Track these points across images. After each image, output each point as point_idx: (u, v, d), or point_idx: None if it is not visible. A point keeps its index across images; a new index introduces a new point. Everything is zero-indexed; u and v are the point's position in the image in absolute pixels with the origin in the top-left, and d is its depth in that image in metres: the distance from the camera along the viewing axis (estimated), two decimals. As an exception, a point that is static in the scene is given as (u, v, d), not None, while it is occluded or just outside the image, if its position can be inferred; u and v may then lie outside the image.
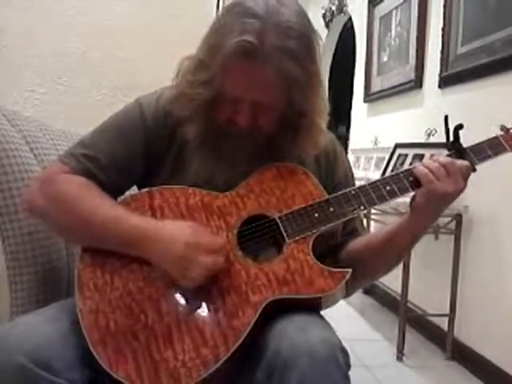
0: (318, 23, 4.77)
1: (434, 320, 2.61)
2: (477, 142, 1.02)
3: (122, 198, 1.00)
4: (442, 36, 2.67)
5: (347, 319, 2.96)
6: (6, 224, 1.00)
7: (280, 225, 0.95)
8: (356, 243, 1.06)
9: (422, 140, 2.69)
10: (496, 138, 1.01)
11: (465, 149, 1.00)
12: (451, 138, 1.00)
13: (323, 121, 0.99)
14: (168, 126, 1.00)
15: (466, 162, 0.96)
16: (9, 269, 1.00)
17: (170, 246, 0.89)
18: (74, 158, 0.98)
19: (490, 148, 1.00)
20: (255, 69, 0.88)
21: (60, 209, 0.94)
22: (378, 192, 0.97)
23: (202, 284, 0.88)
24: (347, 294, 0.96)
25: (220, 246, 0.90)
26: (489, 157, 1.00)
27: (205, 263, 0.87)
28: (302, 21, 0.91)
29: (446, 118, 1.02)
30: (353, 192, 0.97)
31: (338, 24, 4.74)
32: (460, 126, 1.00)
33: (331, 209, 0.96)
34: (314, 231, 0.94)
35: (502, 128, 1.03)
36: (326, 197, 0.98)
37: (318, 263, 0.91)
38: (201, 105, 0.94)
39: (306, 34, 0.91)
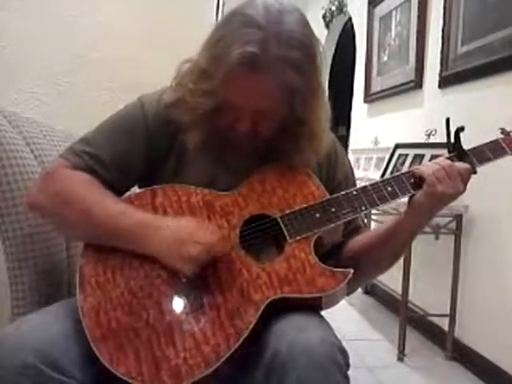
0: (317, 23, 4.77)
1: (435, 320, 2.61)
2: (477, 141, 1.03)
3: (125, 196, 1.00)
4: (442, 36, 2.67)
5: (348, 319, 2.96)
6: (6, 225, 1.01)
7: (281, 224, 0.95)
8: (356, 241, 1.07)
9: (422, 140, 2.69)
10: (497, 140, 1.03)
11: (466, 151, 1.01)
12: (452, 140, 1.01)
13: (324, 129, 1.00)
14: (169, 127, 1.00)
15: (466, 165, 0.97)
16: (9, 269, 1.00)
17: (167, 233, 0.90)
18: (76, 155, 0.98)
19: (491, 151, 1.01)
20: (258, 79, 0.88)
21: (61, 204, 0.94)
22: (379, 193, 0.98)
23: (202, 274, 0.88)
24: (347, 293, 0.96)
25: (218, 231, 0.91)
26: (489, 159, 1.01)
27: (202, 239, 0.88)
28: (303, 30, 0.91)
29: (448, 120, 1.03)
30: (354, 192, 0.98)
31: (338, 24, 4.74)
32: (461, 129, 1.01)
33: (333, 209, 0.96)
34: (315, 231, 0.95)
35: (503, 131, 1.05)
36: (328, 197, 0.98)
37: (320, 263, 0.92)
38: (202, 113, 0.94)
39: (308, 44, 0.91)
